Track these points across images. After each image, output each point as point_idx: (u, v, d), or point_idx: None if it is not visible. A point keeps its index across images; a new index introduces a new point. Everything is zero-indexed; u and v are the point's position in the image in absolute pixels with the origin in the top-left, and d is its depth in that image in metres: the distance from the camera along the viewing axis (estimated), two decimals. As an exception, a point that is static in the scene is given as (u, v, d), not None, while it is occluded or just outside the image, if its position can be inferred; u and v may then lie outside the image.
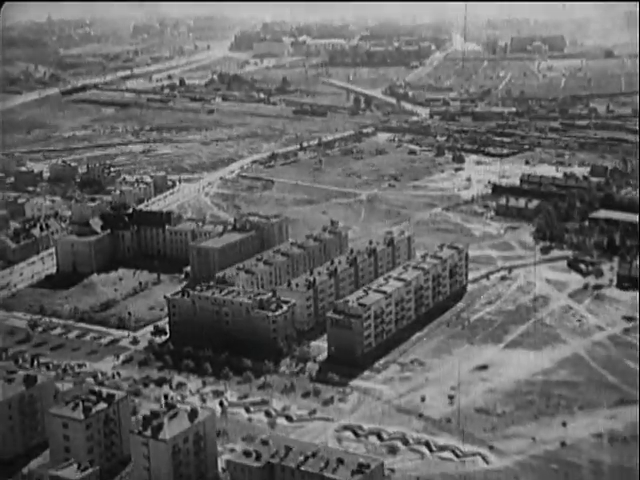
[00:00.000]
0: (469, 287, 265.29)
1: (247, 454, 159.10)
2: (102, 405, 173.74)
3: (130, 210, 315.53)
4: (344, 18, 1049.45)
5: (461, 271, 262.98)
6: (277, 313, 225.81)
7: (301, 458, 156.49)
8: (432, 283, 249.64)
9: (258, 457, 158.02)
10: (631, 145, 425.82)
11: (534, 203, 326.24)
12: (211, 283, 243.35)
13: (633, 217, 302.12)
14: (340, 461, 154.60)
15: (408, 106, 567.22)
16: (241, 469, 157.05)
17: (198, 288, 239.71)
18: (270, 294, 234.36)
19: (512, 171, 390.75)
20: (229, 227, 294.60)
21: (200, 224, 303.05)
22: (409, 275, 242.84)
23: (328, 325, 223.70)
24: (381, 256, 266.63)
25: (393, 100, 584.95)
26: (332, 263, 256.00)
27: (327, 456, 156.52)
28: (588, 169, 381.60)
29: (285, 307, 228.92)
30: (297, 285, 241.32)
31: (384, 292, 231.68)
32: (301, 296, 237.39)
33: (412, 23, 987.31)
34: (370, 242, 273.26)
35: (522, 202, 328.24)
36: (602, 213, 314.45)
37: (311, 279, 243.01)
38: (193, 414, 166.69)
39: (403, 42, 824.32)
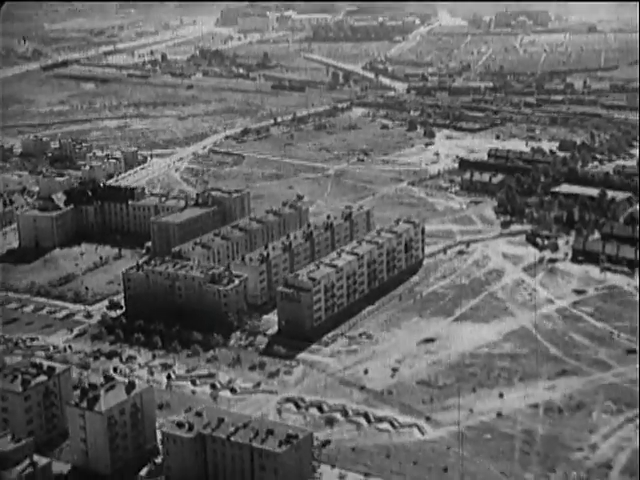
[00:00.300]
0: (425, 261, 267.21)
1: (180, 425, 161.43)
2: (42, 378, 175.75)
3: (96, 185, 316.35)
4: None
5: (417, 245, 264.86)
6: (228, 287, 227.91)
7: (232, 429, 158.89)
8: (386, 257, 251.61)
9: (190, 428, 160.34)
10: (600, 120, 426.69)
11: (498, 178, 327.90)
12: (166, 258, 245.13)
13: (593, 191, 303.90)
14: (270, 432, 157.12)
15: (387, 81, 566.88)
16: (173, 440, 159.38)
17: (152, 262, 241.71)
18: (223, 268, 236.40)
19: (482, 146, 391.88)
20: (191, 202, 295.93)
21: (163, 199, 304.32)
22: (362, 249, 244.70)
23: (278, 299, 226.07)
24: (338, 230, 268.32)
25: (372, 75, 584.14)
26: (288, 237, 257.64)
27: (257, 427, 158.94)
28: (557, 144, 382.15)
29: (237, 281, 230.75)
30: (251, 259, 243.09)
31: (335, 266, 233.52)
32: (254, 270, 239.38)
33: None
34: (328, 217, 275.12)
35: (486, 177, 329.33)
36: (564, 187, 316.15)
37: (265, 253, 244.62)
38: (130, 386, 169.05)
39: (388, 17, 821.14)
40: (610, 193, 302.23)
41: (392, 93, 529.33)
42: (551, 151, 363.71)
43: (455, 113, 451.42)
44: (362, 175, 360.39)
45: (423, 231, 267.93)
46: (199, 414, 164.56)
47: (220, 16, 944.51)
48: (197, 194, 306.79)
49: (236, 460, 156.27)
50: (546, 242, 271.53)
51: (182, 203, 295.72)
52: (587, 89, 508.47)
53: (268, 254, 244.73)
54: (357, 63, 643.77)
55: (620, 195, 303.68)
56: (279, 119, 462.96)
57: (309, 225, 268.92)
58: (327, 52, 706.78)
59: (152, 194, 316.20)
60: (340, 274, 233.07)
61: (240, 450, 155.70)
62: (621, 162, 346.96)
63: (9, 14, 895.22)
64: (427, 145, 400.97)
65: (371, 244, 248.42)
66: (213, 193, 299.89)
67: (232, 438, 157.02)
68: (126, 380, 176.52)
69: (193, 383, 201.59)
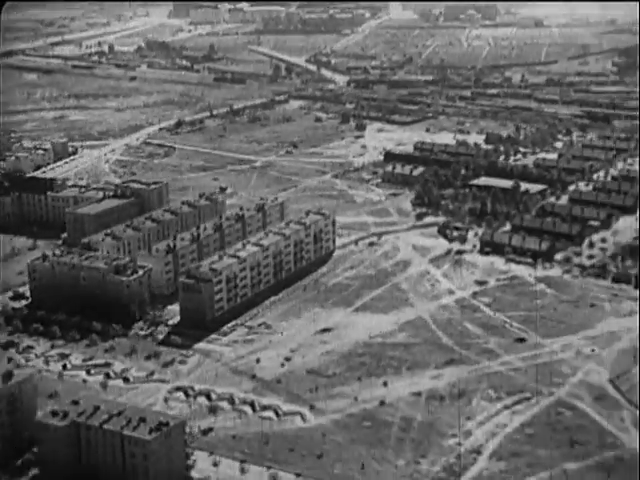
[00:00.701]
0: (336, 253, 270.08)
1: (54, 414, 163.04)
2: None
3: (14, 176, 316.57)
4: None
5: (327, 237, 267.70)
6: (131, 278, 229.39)
7: (105, 417, 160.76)
8: (294, 248, 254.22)
9: (65, 416, 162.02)
10: (530, 113, 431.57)
11: (419, 170, 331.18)
12: (74, 249, 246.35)
13: (507, 183, 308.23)
14: (142, 420, 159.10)
15: (328, 74, 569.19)
16: (46, 429, 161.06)
17: (57, 253, 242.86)
18: (128, 259, 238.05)
19: (411, 139, 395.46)
20: (110, 194, 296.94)
21: (83, 190, 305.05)
22: (268, 240, 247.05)
23: (180, 289, 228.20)
24: (250, 222, 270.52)
25: (315, 68, 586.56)
26: (198, 229, 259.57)
27: (131, 415, 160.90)
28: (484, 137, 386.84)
29: (140, 272, 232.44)
30: (157, 250, 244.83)
31: (239, 257, 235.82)
32: (159, 261, 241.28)
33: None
34: (240, 208, 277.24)
35: (407, 169, 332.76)
36: (482, 180, 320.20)
37: (172, 244, 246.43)
38: (7, 376, 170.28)
39: (338, 10, 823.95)
40: (525, 186, 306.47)
41: (332, 86, 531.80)
42: (476, 144, 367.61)
43: (389, 106, 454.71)
44: (288, 167, 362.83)
45: (334, 223, 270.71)
46: (75, 402, 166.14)
47: (173, 8, 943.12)
48: (116, 185, 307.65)
49: (107, 448, 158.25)
50: (457, 234, 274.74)
51: (101, 194, 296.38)
52: (524, 83, 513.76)
53: (175, 245, 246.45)
54: (303, 56, 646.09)
55: (535, 187, 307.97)
56: (215, 111, 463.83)
57: (220, 216, 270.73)
58: (275, 45, 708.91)
59: (73, 185, 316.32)
60: (243, 265, 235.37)
61: (112, 438, 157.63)
62: (542, 155, 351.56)
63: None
64: (357, 138, 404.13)
65: (278, 235, 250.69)
66: (132, 185, 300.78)
67: (105, 426, 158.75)
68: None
69: (88, 373, 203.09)
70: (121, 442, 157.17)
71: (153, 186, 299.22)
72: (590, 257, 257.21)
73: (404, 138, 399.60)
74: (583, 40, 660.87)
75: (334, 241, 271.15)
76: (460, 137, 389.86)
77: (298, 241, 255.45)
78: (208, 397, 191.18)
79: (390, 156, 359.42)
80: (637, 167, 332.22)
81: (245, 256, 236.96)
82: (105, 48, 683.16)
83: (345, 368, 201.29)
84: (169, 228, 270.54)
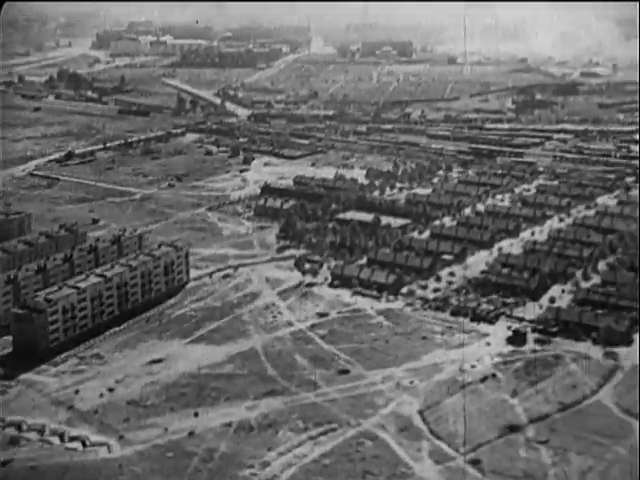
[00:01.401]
0: (190, 285, 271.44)
1: None
2: None
3: None
4: (211, 19, 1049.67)
5: (180, 269, 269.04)
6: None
7: None
8: (142, 280, 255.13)
9: None
10: (415, 148, 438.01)
11: (290, 203, 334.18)
12: None
13: (367, 217, 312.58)
14: None
15: (233, 107, 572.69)
16: None
17: None
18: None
19: (296, 172, 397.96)
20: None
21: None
22: (112, 272, 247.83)
23: (12, 320, 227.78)
24: (104, 253, 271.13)
25: (219, 101, 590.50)
26: (47, 259, 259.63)
27: None
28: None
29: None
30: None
31: (78, 288, 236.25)
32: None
33: (276, 26, 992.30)
34: (97, 239, 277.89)
35: (278, 202, 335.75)
36: (348, 214, 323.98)
37: (13, 275, 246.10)
38: None
39: (257, 44, 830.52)
40: (387, 220, 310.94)
41: (233, 119, 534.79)
42: (353, 179, 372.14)
43: (281, 140, 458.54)
44: (166, 200, 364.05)
45: (187, 255, 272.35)
46: None
47: (96, 38, 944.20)
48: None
49: None
50: (309, 267, 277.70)
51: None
52: (422, 119, 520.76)
53: (16, 275, 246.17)
54: (213, 89, 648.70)
55: (398, 222, 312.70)
56: (109, 144, 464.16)
57: (73, 247, 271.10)
58: (189, 78, 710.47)
59: None
60: (83, 295, 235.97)
61: None
62: (417, 190, 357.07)
63: None
64: (241, 172, 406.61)
65: (124, 267, 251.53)
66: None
67: None
68: None
69: None
70: None
71: (13, 216, 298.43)
72: (435, 290, 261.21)
73: (288, 172, 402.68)
74: (491, 78, 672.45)
75: (187, 273, 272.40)
76: (343, 171, 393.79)
77: (146, 272, 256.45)
78: (19, 428, 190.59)
79: (267, 190, 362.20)
80: (503, 203, 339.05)
81: (85, 287, 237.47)
82: (15, 78, 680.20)
83: (164, 399, 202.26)
84: (21, 259, 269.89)
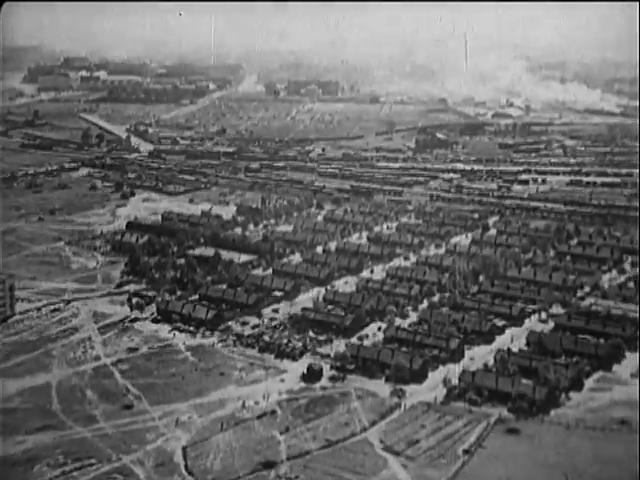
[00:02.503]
0: (14, 318, 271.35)
1: None
2: None
3: None
4: (148, 56, 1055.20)
5: (3, 302, 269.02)
6: None
7: None
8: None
9: None
10: (292, 186, 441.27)
11: (144, 239, 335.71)
12: None
13: (209, 252, 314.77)
14: None
15: (139, 143, 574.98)
16: None
17: None
18: None
19: (173, 209, 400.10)
20: None
21: None
22: None
23: None
24: None
25: (134, 137, 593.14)
26: None
27: None
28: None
29: None
30: None
31: None
32: None
33: (209, 64, 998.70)
34: None
35: (134, 238, 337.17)
36: (199, 250, 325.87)
37: None
38: None
39: (185, 81, 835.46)
40: (230, 255, 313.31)
41: (135, 155, 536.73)
42: (217, 215, 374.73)
43: (167, 176, 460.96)
44: (28, 234, 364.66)
45: (12, 288, 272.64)
46: None
47: (27, 72, 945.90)
48: None
49: None
50: (136, 301, 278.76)
51: None
52: (320, 157, 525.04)
53: None
54: (128, 124, 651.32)
55: (242, 258, 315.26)
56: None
57: None
58: (110, 113, 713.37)
59: None
60: None
61: None
62: (281, 227, 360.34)
63: None
64: (118, 207, 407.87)
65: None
66: None
67: None
68: None
69: None
70: None
71: None
72: (254, 327, 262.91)
73: (164, 208, 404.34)
74: (407, 117, 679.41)
75: (12, 306, 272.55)
76: (217, 207, 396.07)
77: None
78: None
79: (132, 225, 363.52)
80: (360, 241, 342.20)
81: None
82: None
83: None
84: None
